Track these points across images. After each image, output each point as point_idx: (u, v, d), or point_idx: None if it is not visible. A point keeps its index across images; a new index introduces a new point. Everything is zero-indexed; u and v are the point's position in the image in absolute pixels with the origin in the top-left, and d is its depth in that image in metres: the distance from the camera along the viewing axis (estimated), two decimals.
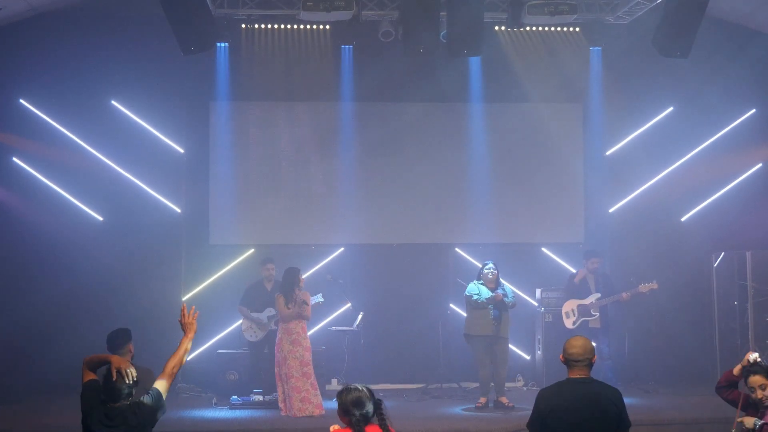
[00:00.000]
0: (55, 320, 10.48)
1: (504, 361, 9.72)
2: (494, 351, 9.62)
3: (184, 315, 5.06)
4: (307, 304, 9.26)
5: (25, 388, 10.16)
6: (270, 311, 10.22)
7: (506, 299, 9.66)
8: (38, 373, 10.26)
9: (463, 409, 9.56)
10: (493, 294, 9.58)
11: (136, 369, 4.70)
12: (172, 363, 4.86)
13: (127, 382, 4.58)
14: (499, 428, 8.62)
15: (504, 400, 9.59)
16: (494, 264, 9.78)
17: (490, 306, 9.55)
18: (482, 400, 9.62)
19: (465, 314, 10.06)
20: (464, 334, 9.82)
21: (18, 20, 10.66)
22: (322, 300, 9.74)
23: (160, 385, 4.77)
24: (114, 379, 4.56)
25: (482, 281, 9.74)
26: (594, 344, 10.75)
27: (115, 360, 4.63)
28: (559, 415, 4.81)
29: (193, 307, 5.15)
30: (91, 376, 4.70)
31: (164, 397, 4.76)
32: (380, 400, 4.39)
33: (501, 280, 9.86)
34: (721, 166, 11.77)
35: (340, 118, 11.52)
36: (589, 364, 4.99)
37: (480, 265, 10.06)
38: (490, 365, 9.65)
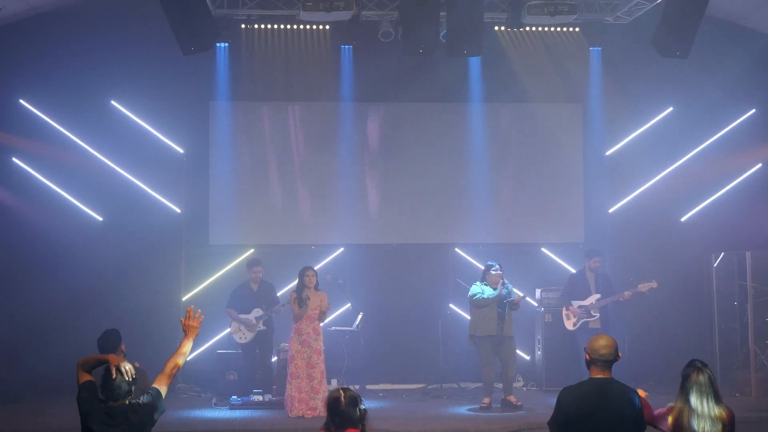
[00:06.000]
0: (55, 320, 10.46)
1: (513, 361, 9.73)
2: (501, 351, 9.62)
3: (189, 317, 5.05)
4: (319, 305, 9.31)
5: (24, 388, 10.15)
6: (257, 312, 10.21)
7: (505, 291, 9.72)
8: (38, 372, 10.24)
9: (468, 410, 9.54)
10: (511, 298, 9.66)
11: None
12: (171, 364, 4.88)
13: (127, 379, 4.60)
14: (499, 428, 8.62)
15: (512, 399, 9.59)
16: (499, 265, 9.78)
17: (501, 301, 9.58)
18: (486, 400, 9.61)
19: (465, 314, 10.05)
20: (469, 335, 9.81)
21: (18, 20, 10.67)
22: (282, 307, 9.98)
23: (160, 385, 4.78)
24: (114, 377, 4.57)
25: (486, 282, 9.74)
26: None
27: (113, 359, 4.65)
28: (585, 416, 4.79)
29: (200, 310, 5.13)
30: (86, 377, 4.70)
31: (163, 397, 4.76)
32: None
33: (505, 280, 9.85)
34: (721, 166, 11.76)
35: (340, 118, 11.52)
36: (612, 364, 4.96)
37: (481, 266, 10.07)
38: (495, 365, 9.64)
